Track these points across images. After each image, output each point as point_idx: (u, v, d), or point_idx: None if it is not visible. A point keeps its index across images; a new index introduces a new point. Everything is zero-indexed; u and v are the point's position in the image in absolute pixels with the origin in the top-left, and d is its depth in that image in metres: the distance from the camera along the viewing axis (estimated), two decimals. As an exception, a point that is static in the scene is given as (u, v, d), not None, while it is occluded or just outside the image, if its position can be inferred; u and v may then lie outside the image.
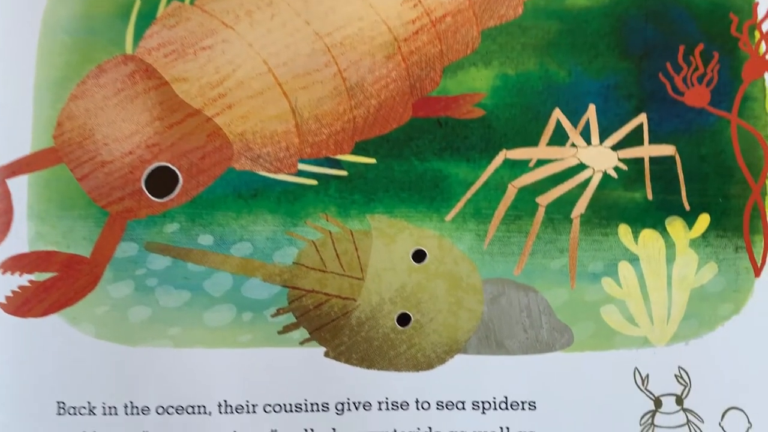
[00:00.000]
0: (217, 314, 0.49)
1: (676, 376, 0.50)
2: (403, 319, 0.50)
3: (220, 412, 0.49)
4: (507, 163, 0.51)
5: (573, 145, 0.52)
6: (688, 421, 0.50)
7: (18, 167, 0.50)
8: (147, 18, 0.51)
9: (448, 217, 0.51)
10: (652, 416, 0.50)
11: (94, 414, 0.48)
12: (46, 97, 0.50)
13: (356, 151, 0.51)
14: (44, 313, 0.49)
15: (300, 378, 0.49)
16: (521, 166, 0.51)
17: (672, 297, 0.51)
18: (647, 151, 0.51)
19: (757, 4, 0.52)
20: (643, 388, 0.50)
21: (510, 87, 0.52)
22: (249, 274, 0.50)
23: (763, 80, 0.52)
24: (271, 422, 0.49)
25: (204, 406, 0.49)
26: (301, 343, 0.50)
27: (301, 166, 0.51)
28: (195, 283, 0.49)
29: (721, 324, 0.50)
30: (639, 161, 0.51)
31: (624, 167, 0.51)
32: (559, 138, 0.52)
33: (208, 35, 0.50)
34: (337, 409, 0.49)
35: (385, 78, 0.51)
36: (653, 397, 0.50)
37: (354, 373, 0.49)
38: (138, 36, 0.51)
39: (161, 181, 0.50)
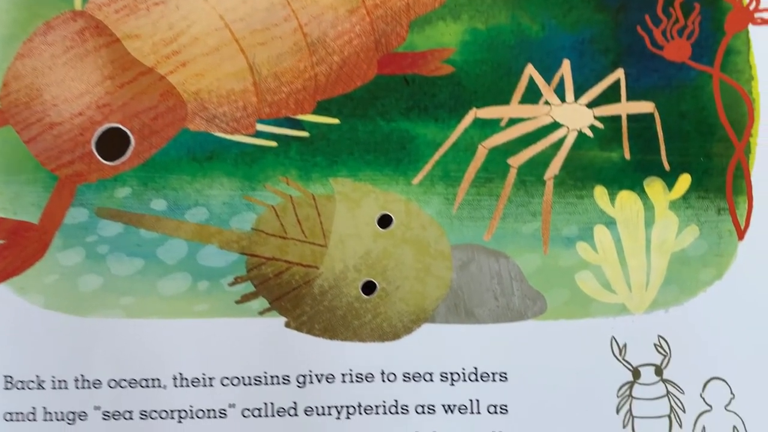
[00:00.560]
0: (171, 283, 0.47)
1: (655, 345, 0.48)
2: (368, 288, 0.48)
3: (176, 386, 0.47)
4: (477, 122, 0.49)
5: (546, 102, 0.50)
6: (668, 392, 0.47)
7: (-40, 129, 0.47)
8: (96, -29, 0.48)
9: (416, 180, 0.49)
10: (630, 387, 0.47)
11: (43, 388, 0.46)
12: (-9, 55, 0.47)
13: (318, 111, 0.49)
14: (-10, 282, 0.46)
15: (259, 349, 0.47)
16: (492, 126, 0.49)
17: (651, 262, 0.48)
18: (625, 108, 0.49)
19: (741, -48, 0.49)
20: (620, 358, 0.47)
21: (480, 42, 0.50)
22: (205, 241, 0.48)
23: (747, 32, 0.50)
24: (229, 396, 0.47)
25: (158, 379, 0.47)
26: (261, 313, 0.47)
27: (260, 127, 0.49)
28: (148, 251, 0.48)
29: (702, 290, 0.48)
30: (616, 119, 0.50)
31: (600, 126, 0.49)
32: (532, 96, 0.50)
33: (159, -12, 0.47)
34: (298, 381, 0.47)
35: (349, 33, 0.48)
36: (631, 368, 0.47)
37: (316, 344, 0.47)
38: (86, -10, 0.47)
39: (112, 144, 0.48)
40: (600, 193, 0.49)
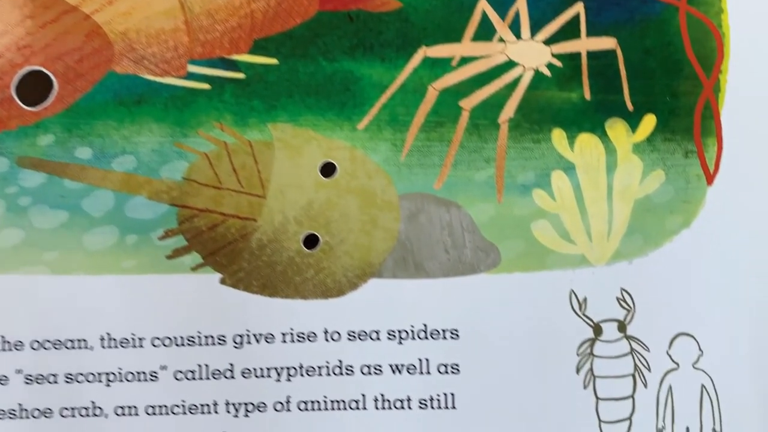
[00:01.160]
0: (97, 237, 0.45)
1: (617, 299, 0.45)
2: (310, 241, 0.45)
3: (103, 347, 0.44)
4: (427, 62, 0.47)
5: (501, 40, 0.47)
6: (632, 349, 0.45)
7: None
8: None
9: (361, 125, 0.46)
10: (591, 345, 0.45)
11: (-40, 351, 0.43)
12: None
13: (255, 51, 0.46)
14: None
15: (193, 308, 0.45)
16: (443, 66, 0.47)
17: (613, 210, 0.46)
18: (584, 44, 0.47)
19: None
20: (580, 314, 0.45)
21: (430, -25, 0.46)
22: (133, 192, 0.45)
23: (716, -40, 0.46)
24: (160, 357, 0.44)
25: (85, 340, 0.44)
26: (194, 269, 0.45)
27: (192, 68, 0.46)
28: (72, 202, 0.45)
29: (668, 239, 0.46)
30: (575, 57, 0.47)
31: (558, 64, 0.47)
32: (486, 33, 0.47)
33: None
34: (235, 342, 0.44)
35: (287, -34, 0.45)
36: (592, 324, 0.45)
37: (254, 302, 0.45)
38: None
39: (34, 88, 0.45)
40: (558, 136, 0.46)
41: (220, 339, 0.44)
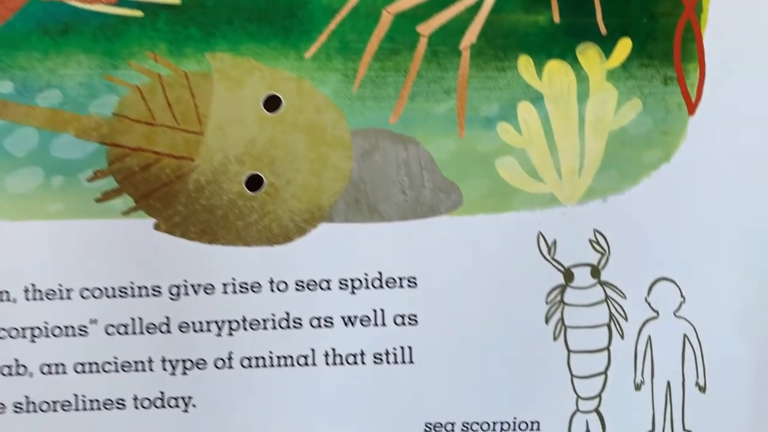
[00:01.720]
0: (20, 179, 0.42)
1: (591, 241, 0.42)
2: (254, 182, 0.43)
3: (27, 299, 0.42)
4: None
5: None
6: (607, 297, 0.42)
7: None
8: None
9: (308, 54, 0.43)
10: (562, 292, 0.42)
11: None
12: None
13: (191, -26, 0.43)
14: None
15: (125, 256, 0.42)
16: None
17: (585, 143, 0.43)
18: None
19: None
20: (549, 258, 0.42)
21: None
22: (59, 129, 0.42)
23: None
24: (90, 310, 0.42)
25: (7, 292, 0.42)
26: (126, 214, 0.42)
27: None
28: None
29: (646, 175, 0.42)
30: None
31: None
32: None
33: None
34: (171, 293, 0.42)
35: None
36: (562, 269, 0.42)
37: (192, 250, 0.42)
38: None
39: (-52, 17, 0.42)
40: (525, 63, 0.43)
41: (154, 290, 0.42)
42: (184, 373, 0.42)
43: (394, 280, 0.42)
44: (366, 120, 0.43)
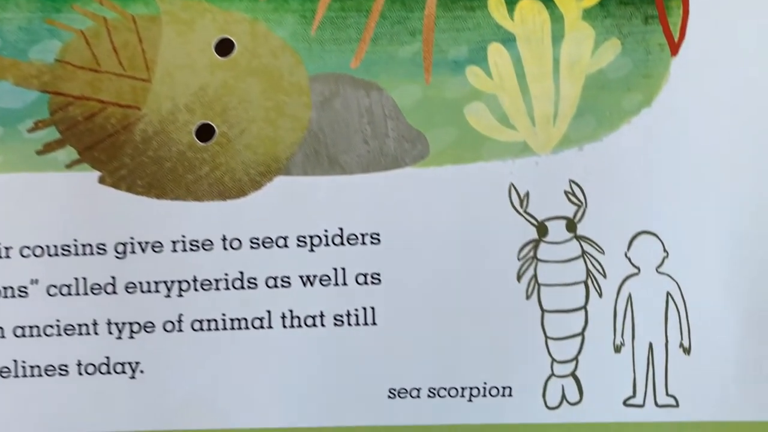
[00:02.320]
0: None
1: (566, 193, 0.40)
2: (205, 132, 0.40)
3: None
4: None
5: None
6: (584, 252, 0.40)
7: None
8: None
9: None
10: (535, 247, 0.40)
11: None
12: None
13: None
14: None
15: (68, 212, 0.40)
16: None
17: (560, 88, 0.40)
18: None
19: None
20: (521, 211, 0.40)
21: None
22: None
23: None
24: (31, 270, 0.40)
25: None
26: (69, 166, 0.40)
27: None
28: None
29: (626, 121, 0.40)
30: None
31: None
32: None
33: None
34: (117, 251, 0.40)
35: None
36: (536, 223, 0.40)
37: (139, 205, 0.40)
38: None
39: None
40: (495, 2, 0.40)
41: (99, 248, 0.40)
42: (131, 337, 0.40)
43: (355, 236, 0.40)
44: (325, 65, 0.40)
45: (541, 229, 0.40)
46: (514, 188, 0.40)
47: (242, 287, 0.40)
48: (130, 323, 0.40)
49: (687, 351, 0.39)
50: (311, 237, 0.40)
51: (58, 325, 0.40)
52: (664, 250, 0.39)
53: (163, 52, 0.40)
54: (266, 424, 0.40)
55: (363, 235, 0.40)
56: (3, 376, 0.39)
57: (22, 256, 0.40)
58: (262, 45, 0.41)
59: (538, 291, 0.40)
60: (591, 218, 0.40)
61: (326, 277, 0.40)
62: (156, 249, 0.40)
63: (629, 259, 0.40)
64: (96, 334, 0.39)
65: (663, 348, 0.39)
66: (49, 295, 0.40)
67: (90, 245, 0.40)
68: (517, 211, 0.40)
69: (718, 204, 0.40)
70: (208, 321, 0.40)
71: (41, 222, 0.40)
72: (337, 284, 0.40)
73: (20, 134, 0.40)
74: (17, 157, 0.40)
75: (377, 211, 0.40)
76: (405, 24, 0.40)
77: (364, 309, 0.40)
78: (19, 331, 0.40)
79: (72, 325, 0.40)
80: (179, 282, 0.40)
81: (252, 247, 0.40)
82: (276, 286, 0.40)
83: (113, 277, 0.40)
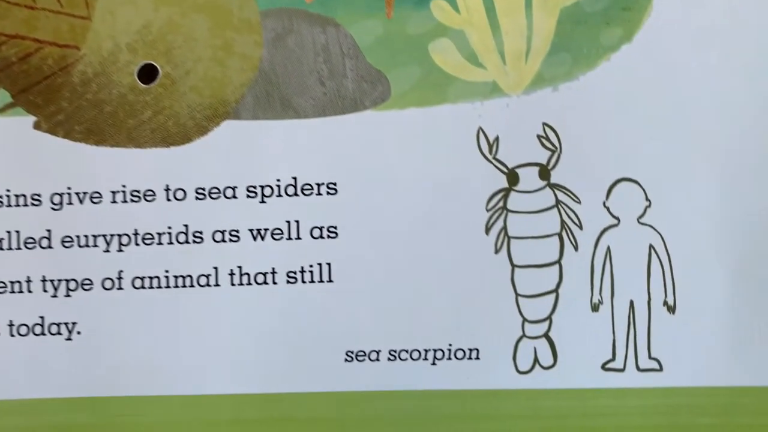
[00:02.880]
0: None
1: (539, 137, 0.37)
2: (148, 73, 0.38)
3: None
4: None
5: None
6: (558, 201, 0.37)
7: None
8: None
9: None
10: (505, 197, 0.37)
11: None
12: None
13: None
14: None
15: (0, 160, 0.38)
16: None
17: (533, 22, 0.37)
18: None
19: None
20: (490, 158, 0.37)
21: None
22: None
23: None
24: None
25: None
26: (1, 111, 0.38)
27: None
28: None
29: (605, 58, 0.37)
30: None
31: None
32: None
33: None
34: (53, 202, 0.38)
35: None
36: (506, 170, 0.37)
37: (77, 152, 0.38)
38: None
39: None
40: None
41: (34, 199, 0.38)
42: (67, 296, 0.37)
43: (310, 186, 0.37)
44: (278, -1, 0.38)
45: (512, 176, 0.37)
46: (483, 132, 0.37)
47: (187, 241, 0.37)
48: (67, 280, 0.37)
49: (671, 309, 0.37)
50: (262, 187, 0.38)
51: (-12, 283, 0.37)
52: (647, 199, 0.37)
53: (102, -13, 0.38)
54: (212, 391, 0.37)
55: (318, 185, 0.37)
56: (-72, 337, 0.37)
57: (-51, 207, 0.37)
58: (209, -22, 0.38)
59: (508, 244, 0.37)
60: (566, 165, 0.37)
61: (278, 231, 0.37)
62: (94, 200, 0.38)
63: (608, 209, 0.37)
64: (29, 292, 0.37)
65: (645, 306, 0.37)
66: (-21, 249, 0.37)
67: (24, 196, 0.38)
68: (486, 158, 0.37)
69: (706, 148, 0.37)
70: (150, 278, 0.37)
71: (-29, 172, 0.38)
72: (290, 238, 0.37)
73: (-52, 77, 0.38)
74: (-55, 101, 0.38)
75: (334, 159, 0.37)
76: (364, -47, 0.38)
77: (320, 265, 0.37)
78: (-54, 289, 0.37)
79: (3, 283, 0.37)
80: (119, 236, 0.37)
81: (198, 198, 0.38)
82: (223, 240, 0.37)
83: (48, 231, 0.38)
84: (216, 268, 0.37)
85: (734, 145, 0.37)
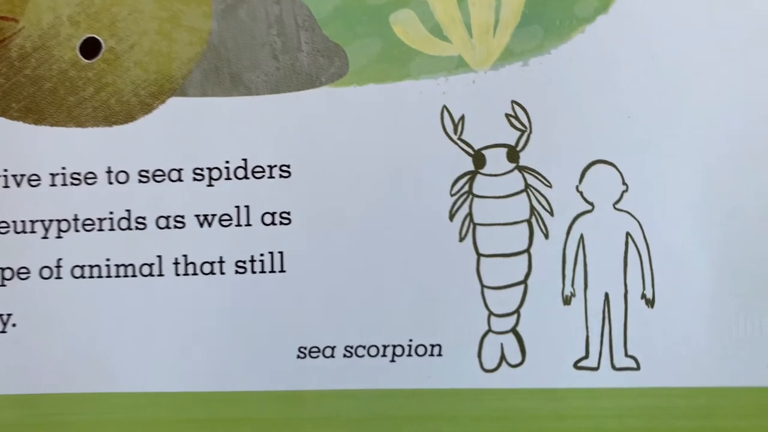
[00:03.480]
0: None
1: (508, 116, 0.34)
2: (90, 48, 0.36)
3: None
4: None
5: None
6: (527, 185, 0.35)
7: None
8: None
9: None
10: (471, 180, 0.35)
11: None
12: None
13: None
14: None
15: None
16: None
17: None
18: None
19: None
20: (455, 138, 0.34)
21: None
22: None
23: None
24: None
25: None
26: None
27: None
28: None
29: (579, 30, 0.34)
30: None
31: None
32: None
33: None
34: None
35: None
36: (472, 152, 0.35)
37: (14, 132, 0.36)
38: None
39: None
40: None
41: None
42: (3, 285, 0.35)
43: (262, 168, 0.35)
44: (229, -32, 0.35)
45: (478, 158, 0.35)
46: (447, 111, 0.35)
47: (129, 228, 0.35)
48: (2, 269, 0.35)
49: (650, 303, 0.34)
50: (210, 169, 0.35)
51: None
52: (623, 183, 0.34)
53: (43, -44, 0.36)
54: (155, 388, 0.35)
55: (271, 168, 0.35)
56: None
57: None
58: (155, -55, 0.36)
59: (474, 232, 0.35)
60: (536, 146, 0.35)
61: (227, 217, 0.35)
62: (32, 183, 0.36)
63: (581, 194, 0.35)
64: (-39, 281, 0.35)
65: (622, 299, 0.34)
66: None
67: (-44, 178, 0.35)
68: (451, 138, 0.35)
69: (688, 128, 0.34)
70: (91, 267, 0.35)
71: None
72: (239, 225, 0.35)
73: None
74: None
75: (288, 139, 0.35)
76: None
77: (271, 254, 0.35)
78: None
79: (-67, 271, 0.35)
80: (58, 221, 0.35)
81: (141, 182, 0.35)
82: (168, 227, 0.35)
83: (-18, 216, 0.35)
84: (160, 256, 0.35)
85: (716, 123, 0.34)
